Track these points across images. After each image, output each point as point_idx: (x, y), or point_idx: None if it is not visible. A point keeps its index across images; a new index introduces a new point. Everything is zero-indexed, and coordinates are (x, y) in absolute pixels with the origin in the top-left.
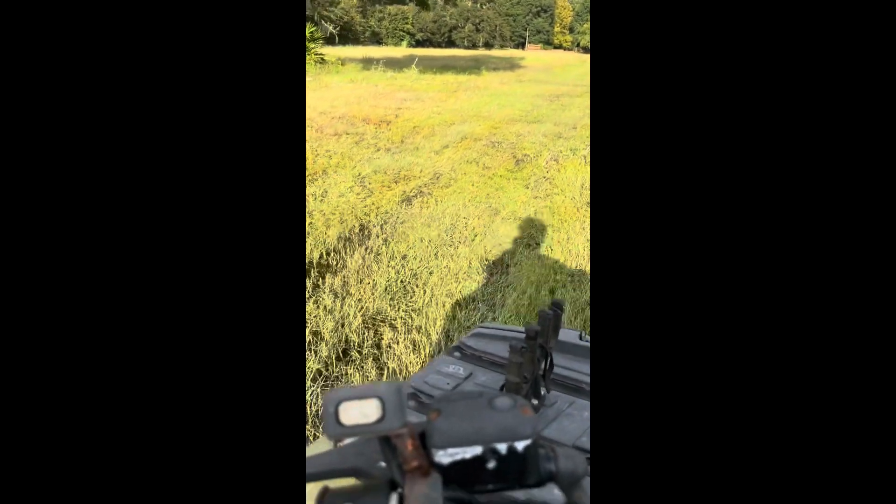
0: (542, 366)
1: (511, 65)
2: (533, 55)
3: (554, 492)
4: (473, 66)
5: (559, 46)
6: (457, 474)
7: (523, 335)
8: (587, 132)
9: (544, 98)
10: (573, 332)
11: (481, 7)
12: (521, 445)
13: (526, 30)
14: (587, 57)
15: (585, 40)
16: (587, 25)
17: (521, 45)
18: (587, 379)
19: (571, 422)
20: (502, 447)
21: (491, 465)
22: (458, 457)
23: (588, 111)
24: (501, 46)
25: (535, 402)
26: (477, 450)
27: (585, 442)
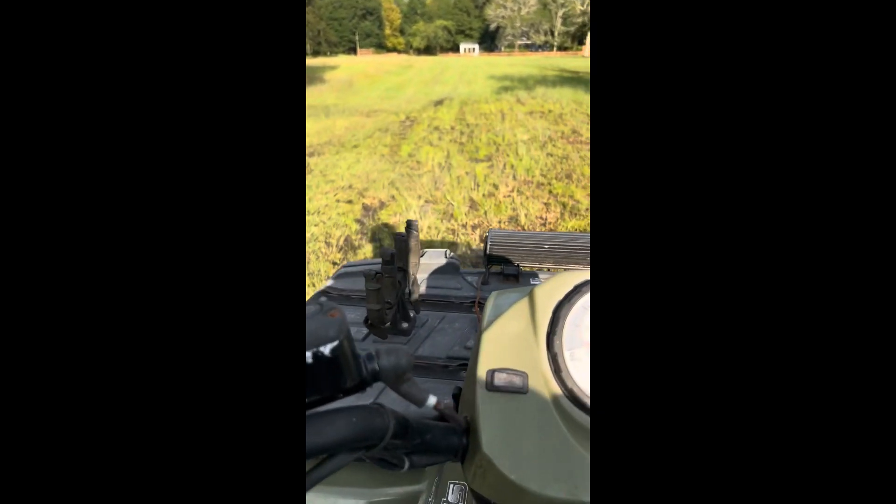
0: (405, 288)
1: (308, 79)
2: (363, 60)
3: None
4: None
5: (393, 49)
6: None
7: None
8: None
9: None
10: (438, 251)
11: None
12: (327, 349)
13: (355, 34)
14: (418, 59)
15: (417, 41)
16: (417, 26)
17: (353, 50)
18: (456, 293)
19: (443, 336)
20: (307, 355)
21: None
22: None
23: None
24: (332, 53)
25: (404, 325)
26: None
27: (458, 351)
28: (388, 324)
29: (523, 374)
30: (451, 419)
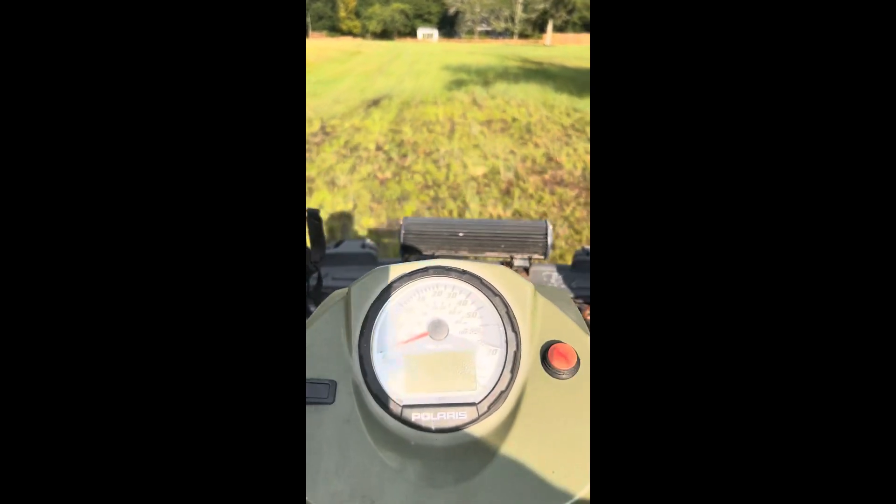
0: (308, 283)
1: None
2: (308, 45)
3: None
4: None
5: (348, 32)
6: None
7: None
8: None
9: None
10: (356, 241)
11: None
12: None
13: (306, 16)
14: (370, 44)
15: (373, 25)
16: (373, 9)
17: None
18: None
19: None
20: None
21: None
22: None
23: None
24: None
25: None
26: None
27: None
28: None
29: (331, 384)
30: None
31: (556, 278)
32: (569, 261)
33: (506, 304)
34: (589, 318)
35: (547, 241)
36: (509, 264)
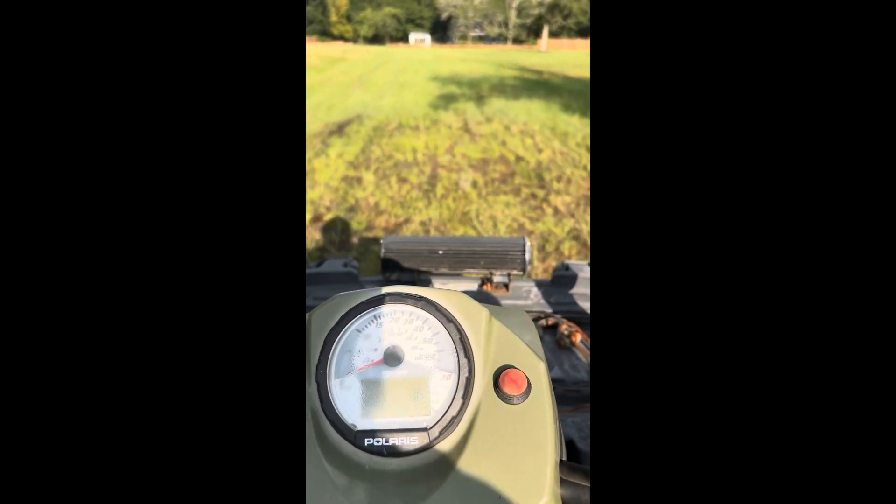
0: None
1: None
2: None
3: None
4: None
5: (339, 37)
6: None
7: None
8: None
9: None
10: (338, 260)
11: None
12: None
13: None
14: (357, 50)
15: (364, 30)
16: (364, 13)
17: None
18: None
19: None
20: None
21: None
22: None
23: None
24: None
25: None
26: None
27: None
28: None
29: None
30: None
31: (535, 293)
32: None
33: (460, 330)
34: (567, 333)
35: (525, 257)
36: (489, 280)
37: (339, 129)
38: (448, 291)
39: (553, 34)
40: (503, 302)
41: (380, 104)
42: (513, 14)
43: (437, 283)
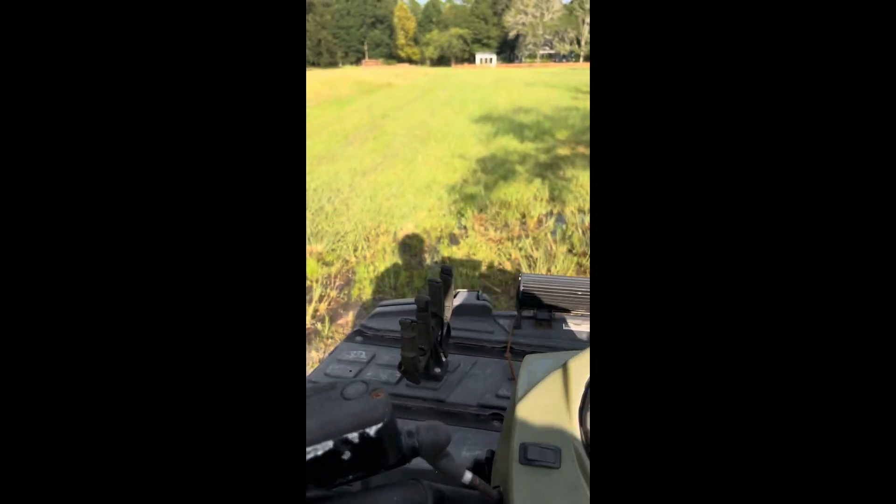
0: (439, 334)
1: None
2: (341, 75)
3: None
4: None
5: (406, 59)
6: (315, 473)
7: None
8: None
9: None
10: (471, 293)
11: None
12: (373, 430)
13: (363, 43)
14: (413, 71)
15: (429, 51)
16: (430, 35)
17: (359, 61)
18: (488, 337)
19: (475, 382)
20: (354, 436)
21: (346, 456)
22: (311, 455)
23: None
24: (330, 64)
25: (437, 370)
26: (328, 444)
27: (490, 399)
28: (422, 370)
29: (556, 449)
30: (485, 493)
31: None
32: None
33: None
34: None
35: None
36: None
37: None
38: None
39: None
40: None
41: (363, 188)
42: (586, 29)
43: (570, 322)
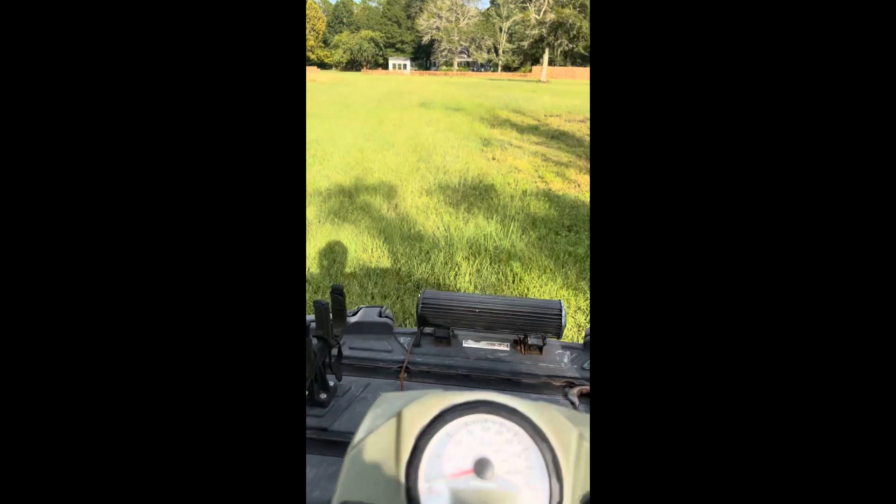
0: (323, 359)
1: None
2: None
3: None
4: None
5: (318, 63)
6: None
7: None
8: None
9: None
10: (373, 309)
11: None
12: None
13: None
14: (325, 78)
15: (338, 54)
16: (340, 36)
17: None
18: (386, 356)
19: (364, 406)
20: None
21: None
22: None
23: None
24: None
25: (322, 395)
26: None
27: None
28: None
29: None
30: None
31: (567, 358)
32: None
33: (552, 451)
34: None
35: (561, 322)
36: (524, 342)
37: None
38: (541, 406)
39: (548, 61)
40: (538, 364)
41: None
42: (503, 38)
43: (470, 340)
